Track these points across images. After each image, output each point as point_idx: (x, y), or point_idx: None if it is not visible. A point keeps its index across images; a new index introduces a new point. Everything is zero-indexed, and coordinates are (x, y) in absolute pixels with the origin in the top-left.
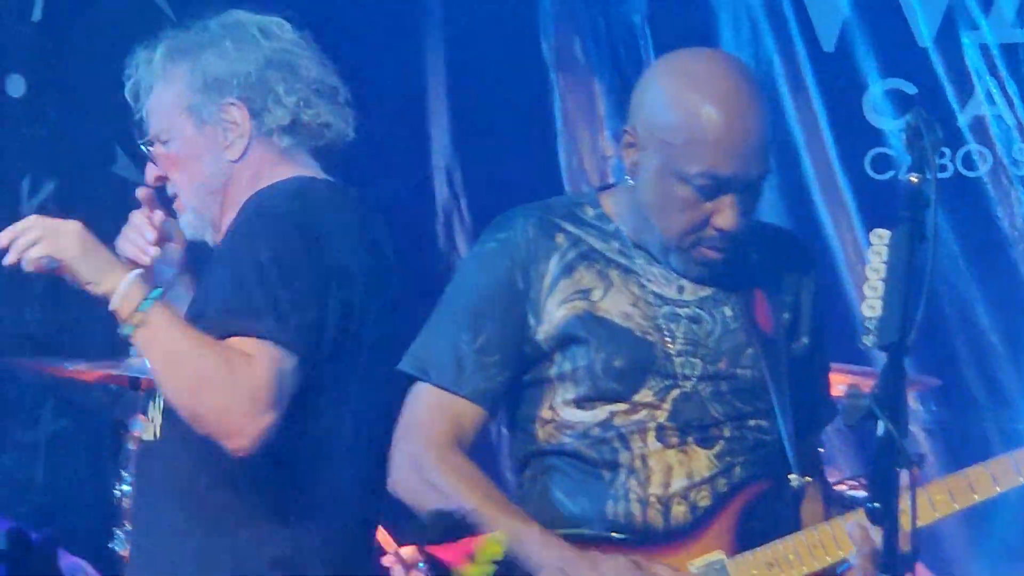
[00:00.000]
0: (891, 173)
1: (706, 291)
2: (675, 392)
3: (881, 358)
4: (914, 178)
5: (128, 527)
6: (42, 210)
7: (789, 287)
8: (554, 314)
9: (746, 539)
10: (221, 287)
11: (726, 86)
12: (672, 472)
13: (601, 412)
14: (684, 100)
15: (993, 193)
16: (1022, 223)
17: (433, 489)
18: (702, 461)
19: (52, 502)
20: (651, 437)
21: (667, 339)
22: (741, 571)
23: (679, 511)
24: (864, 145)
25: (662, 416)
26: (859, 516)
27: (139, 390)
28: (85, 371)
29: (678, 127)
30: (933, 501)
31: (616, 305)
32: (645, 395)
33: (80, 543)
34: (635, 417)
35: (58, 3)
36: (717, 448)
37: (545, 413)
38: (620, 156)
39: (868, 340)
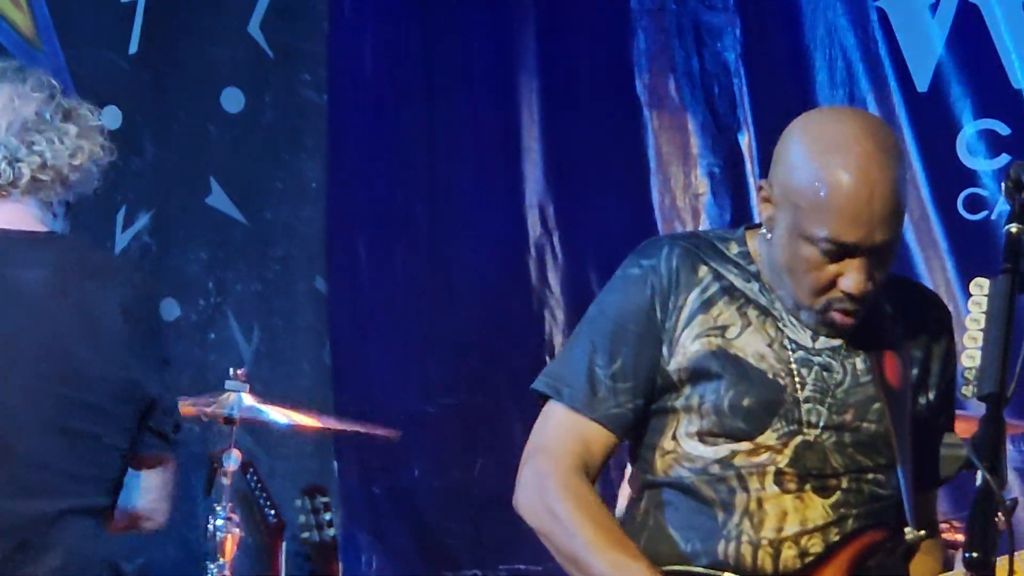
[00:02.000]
0: (984, 213)
1: (839, 341)
2: (798, 439)
3: (977, 405)
4: (1014, 228)
5: (221, 561)
6: (136, 240)
7: (920, 342)
8: (688, 347)
9: None
10: None
11: (858, 150)
12: (787, 518)
13: (723, 449)
14: (811, 163)
15: None
16: None
17: (551, 515)
18: (817, 510)
19: (144, 534)
20: (769, 480)
21: (797, 384)
22: None
23: (789, 555)
24: (957, 185)
25: (782, 461)
26: None
27: (232, 424)
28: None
29: (804, 190)
30: None
31: (751, 344)
32: (769, 437)
33: (170, 574)
34: (756, 459)
35: (155, 36)
36: (833, 498)
37: (667, 443)
38: (756, 206)
39: (967, 391)
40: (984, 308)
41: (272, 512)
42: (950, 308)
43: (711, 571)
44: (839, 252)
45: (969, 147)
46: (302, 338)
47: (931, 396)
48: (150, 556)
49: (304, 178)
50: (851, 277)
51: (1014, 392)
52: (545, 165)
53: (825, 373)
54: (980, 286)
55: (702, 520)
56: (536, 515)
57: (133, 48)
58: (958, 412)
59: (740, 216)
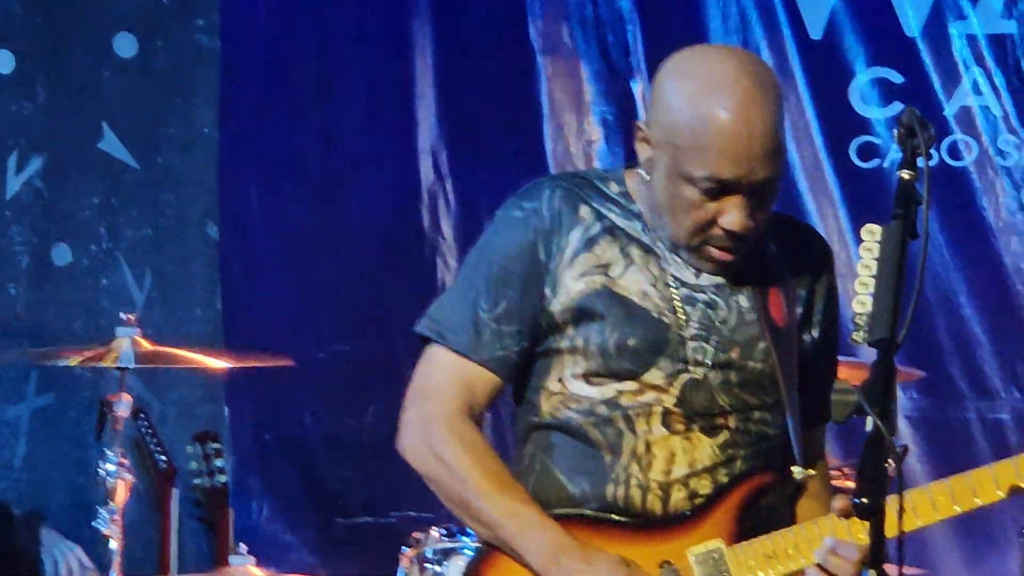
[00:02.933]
0: (876, 161)
1: (723, 278)
2: (684, 377)
3: (868, 351)
4: (906, 175)
5: (112, 505)
6: (28, 185)
7: (804, 281)
8: (571, 287)
9: (746, 529)
10: None
11: (736, 88)
12: (675, 459)
13: (609, 389)
14: (689, 102)
15: (978, 183)
16: (1006, 213)
17: (438, 460)
18: (706, 450)
19: (34, 479)
20: (656, 422)
21: (682, 322)
22: (739, 561)
23: (678, 498)
24: (850, 133)
25: (669, 401)
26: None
27: (123, 370)
28: (70, 353)
29: (683, 129)
30: (935, 502)
31: (635, 283)
32: (655, 376)
33: (63, 521)
34: (642, 398)
35: None
36: (721, 438)
37: (553, 385)
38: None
39: (858, 336)
40: (875, 254)
41: (163, 458)
42: (842, 255)
43: (600, 514)
44: (719, 190)
45: (862, 95)
46: (194, 284)
47: (815, 334)
48: (40, 502)
49: (197, 124)
50: (732, 215)
51: (905, 338)
52: (438, 111)
53: (710, 311)
54: (871, 232)
55: (590, 463)
56: (423, 460)
57: None
58: (849, 359)
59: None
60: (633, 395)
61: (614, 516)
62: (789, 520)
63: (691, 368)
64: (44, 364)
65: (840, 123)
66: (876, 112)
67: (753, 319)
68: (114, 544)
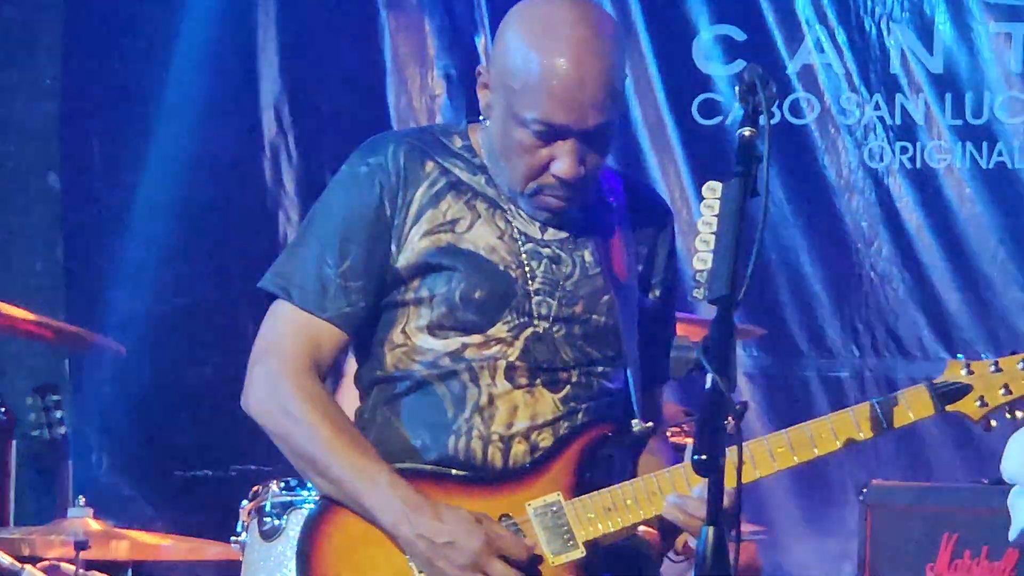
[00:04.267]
0: (718, 119)
1: (567, 233)
2: (529, 331)
3: (707, 308)
4: (747, 132)
5: None
6: None
7: (645, 239)
8: (416, 244)
9: (585, 482)
10: None
11: (570, 33)
12: (517, 413)
13: (454, 342)
14: (526, 46)
15: (820, 141)
16: (847, 171)
17: (286, 416)
18: (548, 404)
19: None
20: (500, 375)
21: (527, 276)
22: (578, 514)
23: (519, 451)
24: (692, 91)
25: (513, 354)
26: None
27: None
28: None
29: (518, 72)
30: (773, 453)
31: (482, 237)
32: (500, 330)
33: None
34: (487, 352)
35: None
36: (563, 392)
37: (397, 337)
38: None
39: (699, 293)
40: (716, 211)
41: (2, 409)
42: (683, 212)
43: (439, 468)
44: (550, 134)
45: (705, 52)
46: (35, 235)
47: (657, 293)
48: None
49: (39, 74)
50: (562, 161)
51: (745, 295)
52: (281, 65)
53: (554, 265)
54: (713, 189)
55: (432, 415)
56: (270, 417)
57: None
58: (689, 315)
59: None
60: (478, 348)
61: (453, 470)
62: (630, 474)
63: (535, 322)
64: None
65: (682, 80)
66: (718, 69)
67: (596, 273)
68: None
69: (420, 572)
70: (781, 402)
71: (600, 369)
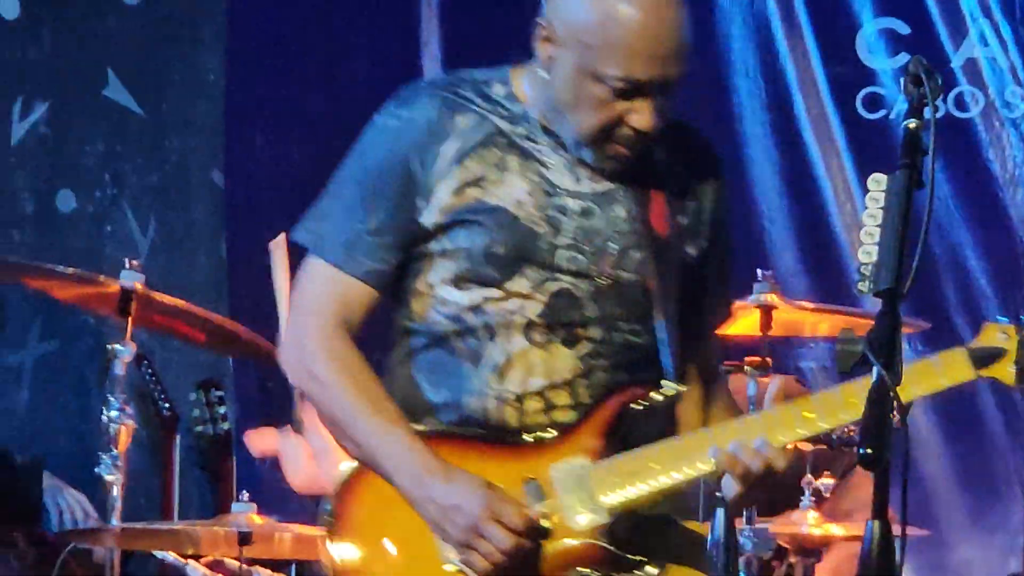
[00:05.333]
0: (882, 113)
1: (604, 186)
2: (551, 286)
3: (872, 301)
4: (912, 124)
5: (114, 452)
6: (33, 131)
7: (691, 188)
8: (443, 200)
9: (613, 445)
10: None
11: None
12: (533, 370)
13: (475, 295)
14: (601, 0)
15: (984, 135)
16: (1012, 165)
17: (312, 377)
18: (565, 361)
19: (37, 425)
20: (518, 332)
21: (554, 231)
22: (602, 478)
23: (534, 409)
24: (856, 85)
25: (533, 310)
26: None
27: (127, 316)
28: (69, 282)
29: (596, 28)
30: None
31: (509, 192)
32: (520, 285)
33: (65, 467)
34: (506, 305)
35: None
36: (583, 349)
37: (421, 286)
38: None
39: (864, 286)
40: (881, 204)
41: (166, 405)
42: (847, 206)
43: (465, 429)
44: (630, 90)
45: (869, 46)
46: (198, 231)
47: (703, 244)
48: (43, 447)
49: (202, 70)
50: (642, 115)
51: (910, 288)
52: (444, 60)
53: (585, 219)
54: (878, 182)
55: (450, 370)
56: (298, 377)
57: None
58: (852, 309)
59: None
60: (497, 302)
61: (473, 431)
62: (662, 436)
63: (559, 277)
64: (51, 307)
65: (847, 74)
66: (882, 63)
67: (630, 228)
68: (116, 490)
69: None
70: (943, 397)
71: (626, 327)
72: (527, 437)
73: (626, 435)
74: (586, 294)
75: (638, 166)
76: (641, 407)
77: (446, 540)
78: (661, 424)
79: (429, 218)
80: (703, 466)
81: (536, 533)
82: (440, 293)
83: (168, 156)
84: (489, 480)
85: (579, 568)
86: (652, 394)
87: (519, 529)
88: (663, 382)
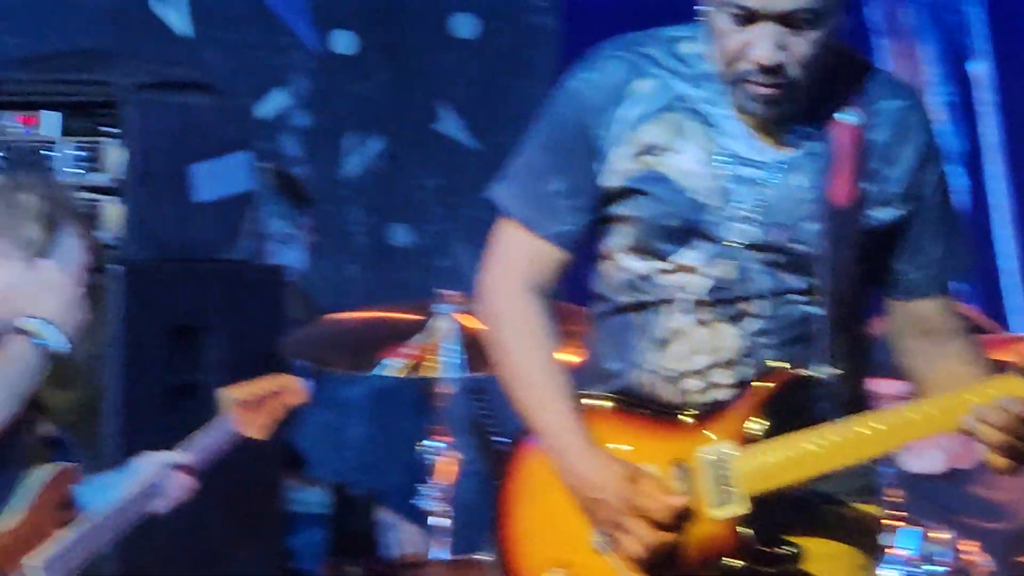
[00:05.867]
0: None
1: (784, 153)
2: (719, 260)
3: None
4: None
5: (438, 484)
6: (367, 166)
7: (883, 150)
8: (617, 166)
9: (768, 430)
10: None
11: None
12: (696, 347)
13: (647, 266)
14: None
15: None
16: None
17: (492, 336)
18: (730, 339)
19: (371, 459)
20: (683, 307)
21: (725, 202)
22: (750, 464)
23: (694, 387)
24: None
25: (700, 285)
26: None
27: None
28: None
29: None
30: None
31: (683, 162)
32: (688, 257)
33: (398, 500)
34: (674, 279)
35: None
36: (749, 327)
37: (605, 251)
38: None
39: None
40: None
41: (502, 439)
42: None
43: (622, 402)
44: (744, 17)
45: None
46: None
47: (895, 210)
48: (376, 480)
49: (535, 104)
50: (758, 46)
51: None
52: None
53: (759, 189)
54: None
55: (622, 340)
56: (484, 333)
57: None
58: None
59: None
60: (665, 275)
61: (638, 405)
62: (823, 419)
63: (729, 251)
64: None
65: None
66: None
67: (807, 198)
68: (444, 522)
69: None
70: None
71: (797, 304)
72: (684, 416)
73: (782, 418)
74: (756, 269)
75: (812, 129)
76: (801, 388)
77: (592, 523)
78: (824, 408)
79: (607, 182)
80: (870, 451)
81: (678, 524)
82: (619, 260)
83: None
84: (638, 463)
85: (724, 558)
86: (813, 375)
87: (661, 523)
88: (817, 366)
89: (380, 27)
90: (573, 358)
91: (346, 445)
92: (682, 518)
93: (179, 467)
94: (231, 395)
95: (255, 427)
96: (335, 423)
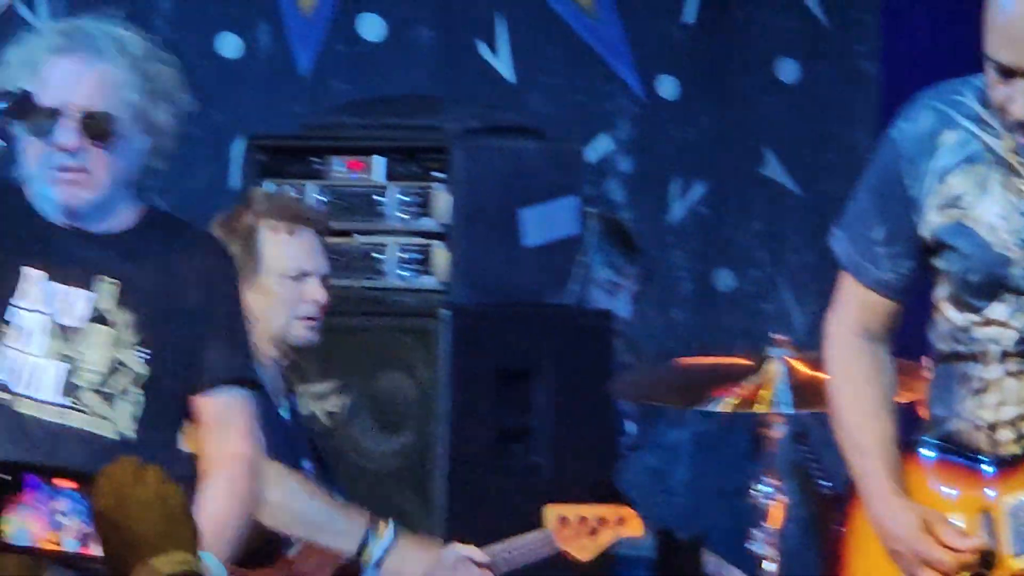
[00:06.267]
0: None
1: None
2: None
3: None
4: None
5: (767, 528)
6: (692, 211)
7: None
8: (929, 218)
9: None
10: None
11: None
12: (1007, 398)
13: (964, 317)
14: None
15: None
16: None
17: (828, 379)
18: None
19: (696, 503)
20: (995, 359)
21: None
22: None
23: (1006, 438)
24: None
25: (1009, 337)
26: None
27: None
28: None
29: (989, 9)
30: None
31: (986, 214)
32: (997, 311)
33: (723, 544)
34: (987, 332)
35: (711, 5)
36: None
37: (934, 300)
38: None
39: None
40: None
41: (826, 483)
42: None
43: (939, 449)
44: (1003, 72)
45: None
46: None
47: None
48: (703, 524)
49: (857, 149)
50: (1016, 101)
51: None
52: None
53: None
54: None
55: (945, 387)
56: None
57: (690, 17)
58: None
59: None
60: (979, 327)
61: (953, 453)
62: None
63: None
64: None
65: None
66: None
67: None
68: (771, 566)
69: None
70: None
71: None
72: (993, 466)
73: None
74: None
75: None
76: None
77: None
78: None
79: (922, 232)
80: None
81: (979, 573)
82: (944, 310)
83: (826, 235)
84: (948, 511)
85: None
86: None
87: (951, 574)
88: None
89: (703, 72)
90: (906, 403)
91: (672, 489)
92: (985, 566)
93: (481, 564)
94: (558, 512)
95: (579, 548)
96: (661, 466)
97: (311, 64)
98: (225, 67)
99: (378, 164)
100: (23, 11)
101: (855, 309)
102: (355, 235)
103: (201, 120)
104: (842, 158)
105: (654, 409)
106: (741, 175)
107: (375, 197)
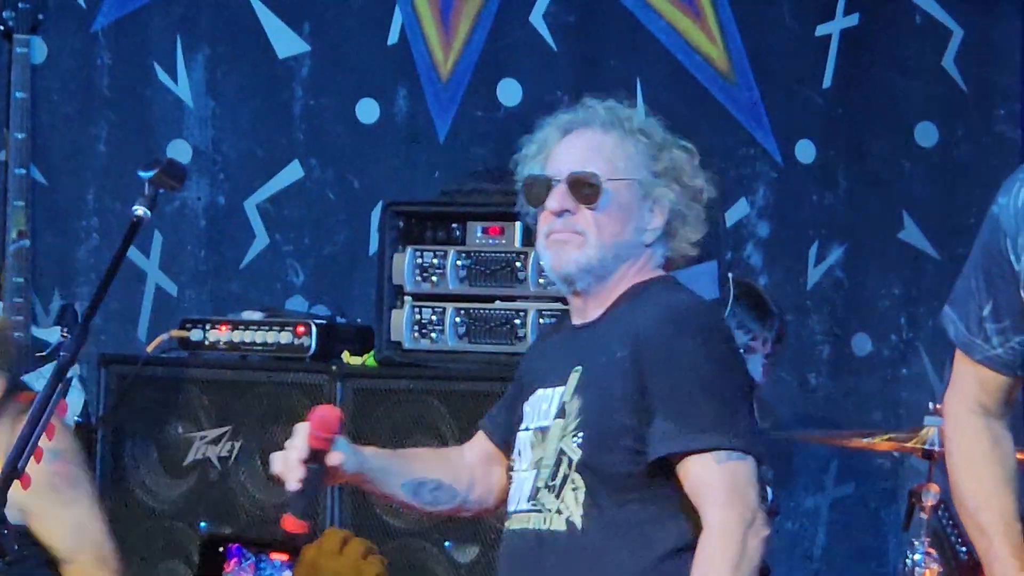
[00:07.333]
0: None
1: None
2: None
3: None
4: None
5: None
6: (828, 275)
7: None
8: None
9: None
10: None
11: None
12: None
13: None
14: None
15: None
16: None
17: (948, 462)
18: None
19: (833, 570)
20: None
21: None
22: None
23: None
24: None
25: None
26: None
27: (931, 459)
28: (873, 443)
29: None
30: None
31: None
32: None
33: None
34: None
35: (849, 69)
36: None
37: None
38: None
39: None
40: None
41: (965, 550)
42: None
43: None
44: None
45: None
46: None
47: None
48: None
49: None
50: None
51: None
52: None
53: None
54: None
55: None
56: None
57: (827, 82)
58: None
59: None
60: None
61: None
62: None
63: None
64: (845, 450)
65: None
66: None
67: None
68: None
69: None
70: None
71: None
72: None
73: None
74: None
75: None
76: None
77: None
78: None
79: None
80: None
81: None
82: None
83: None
84: None
85: None
86: None
87: None
88: None
89: (841, 136)
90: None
91: (808, 556)
92: None
93: None
94: None
95: None
96: (800, 533)
97: (448, 129)
98: (363, 132)
99: (517, 229)
100: (163, 78)
101: (970, 386)
102: (496, 300)
103: (339, 185)
104: (980, 222)
105: (791, 477)
106: (879, 239)
107: (515, 263)
